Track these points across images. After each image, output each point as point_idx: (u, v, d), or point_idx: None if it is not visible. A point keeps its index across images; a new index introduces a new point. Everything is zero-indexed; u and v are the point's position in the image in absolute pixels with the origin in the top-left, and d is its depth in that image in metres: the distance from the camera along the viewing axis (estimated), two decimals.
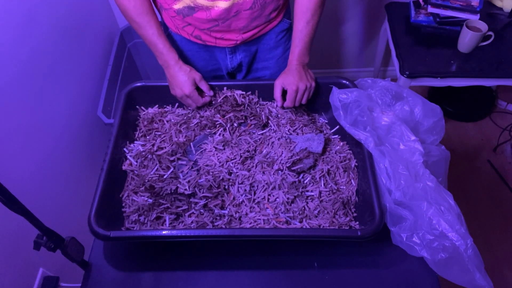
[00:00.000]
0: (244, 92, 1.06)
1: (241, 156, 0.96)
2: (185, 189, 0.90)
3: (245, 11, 1.00)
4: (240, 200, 0.90)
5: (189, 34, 1.08)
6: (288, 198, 0.89)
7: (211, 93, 1.03)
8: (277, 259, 0.88)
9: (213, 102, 1.06)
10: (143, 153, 0.96)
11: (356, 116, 0.92)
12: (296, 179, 0.92)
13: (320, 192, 0.91)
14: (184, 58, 1.15)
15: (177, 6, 0.99)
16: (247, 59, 1.16)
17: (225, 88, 1.06)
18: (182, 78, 0.98)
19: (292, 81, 0.97)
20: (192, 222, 0.88)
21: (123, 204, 0.91)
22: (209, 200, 0.89)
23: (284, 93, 0.99)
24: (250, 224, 0.87)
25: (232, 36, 1.07)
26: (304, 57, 1.02)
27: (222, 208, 0.89)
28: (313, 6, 0.98)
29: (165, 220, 0.88)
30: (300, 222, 0.87)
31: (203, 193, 0.89)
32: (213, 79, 1.07)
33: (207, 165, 0.95)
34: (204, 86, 1.02)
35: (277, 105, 1.03)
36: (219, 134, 1.01)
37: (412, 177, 0.83)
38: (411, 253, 0.82)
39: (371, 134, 0.88)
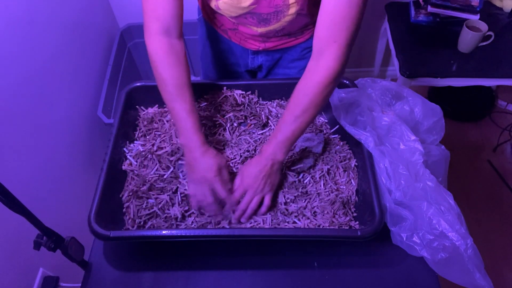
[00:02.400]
0: (244, 92, 1.06)
1: (241, 156, 0.96)
2: (185, 189, 0.90)
3: (269, 36, 1.00)
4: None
5: (217, 26, 1.06)
6: (287, 198, 0.89)
7: (229, 185, 0.88)
8: (277, 259, 0.87)
9: (213, 102, 1.06)
10: (143, 153, 0.96)
11: (356, 115, 0.92)
12: (296, 179, 0.92)
13: (319, 192, 0.91)
14: (208, 44, 1.13)
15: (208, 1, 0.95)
16: (268, 63, 1.14)
17: (224, 88, 1.06)
18: (207, 162, 0.84)
19: (251, 179, 0.85)
20: (192, 222, 0.88)
21: (123, 204, 0.91)
22: None
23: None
24: (250, 224, 0.87)
25: (254, 43, 1.06)
26: (279, 152, 0.85)
27: (222, 207, 0.89)
28: (307, 102, 0.82)
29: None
30: (299, 221, 0.87)
31: None
32: (229, 74, 1.03)
33: None
34: (225, 174, 0.87)
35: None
36: (219, 134, 1.01)
37: (412, 177, 0.83)
38: (411, 253, 0.82)
39: (371, 134, 0.88)
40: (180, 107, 0.86)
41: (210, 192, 0.85)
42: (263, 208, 0.87)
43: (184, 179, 0.92)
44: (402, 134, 0.89)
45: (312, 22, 1.02)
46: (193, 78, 1.12)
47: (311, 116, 0.84)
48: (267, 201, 0.87)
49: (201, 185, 0.85)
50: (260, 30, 0.96)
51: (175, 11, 0.85)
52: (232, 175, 0.91)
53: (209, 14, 1.06)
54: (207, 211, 0.88)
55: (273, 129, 1.02)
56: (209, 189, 0.85)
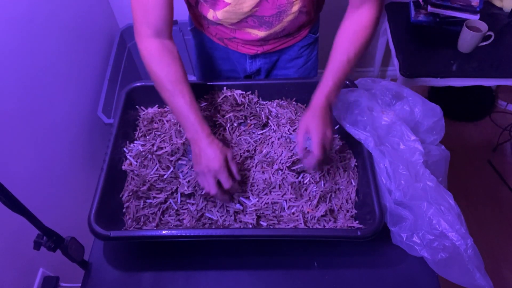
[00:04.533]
0: (244, 92, 1.06)
1: (241, 156, 0.96)
2: (185, 189, 0.90)
3: (268, 39, 1.00)
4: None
5: (212, 36, 1.07)
6: (288, 198, 0.89)
7: (238, 177, 0.86)
8: (277, 259, 0.87)
9: (213, 102, 1.06)
10: (143, 153, 0.96)
11: (356, 116, 0.92)
12: (296, 179, 0.92)
13: (319, 192, 0.91)
14: (204, 53, 1.14)
15: (204, 15, 0.97)
16: (266, 66, 1.14)
17: (224, 88, 1.06)
18: (213, 152, 0.83)
19: (319, 127, 0.83)
20: (191, 222, 0.88)
21: (123, 204, 0.91)
22: (209, 200, 0.89)
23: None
24: (251, 222, 0.87)
25: (252, 47, 1.06)
26: (333, 97, 0.87)
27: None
28: (353, 48, 0.85)
29: (168, 221, 0.88)
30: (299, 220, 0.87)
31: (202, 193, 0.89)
32: (226, 80, 1.05)
33: None
34: (233, 167, 0.85)
35: (298, 155, 0.89)
36: (219, 134, 1.01)
37: (412, 177, 0.83)
38: (411, 253, 0.82)
39: (371, 134, 0.88)
40: (180, 103, 0.87)
41: (215, 183, 0.83)
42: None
43: (185, 179, 0.92)
44: (402, 134, 0.89)
45: (310, 20, 1.02)
46: (192, 78, 1.12)
47: (357, 60, 0.87)
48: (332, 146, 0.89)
49: (207, 176, 0.84)
50: (261, 33, 0.96)
51: (166, 16, 0.86)
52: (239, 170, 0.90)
53: (202, 25, 1.06)
54: (215, 199, 0.88)
55: (273, 128, 1.02)
56: (215, 179, 0.84)
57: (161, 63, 0.88)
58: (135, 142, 1.01)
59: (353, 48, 0.86)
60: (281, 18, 0.92)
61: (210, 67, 1.19)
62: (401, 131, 0.89)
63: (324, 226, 0.86)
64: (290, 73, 1.16)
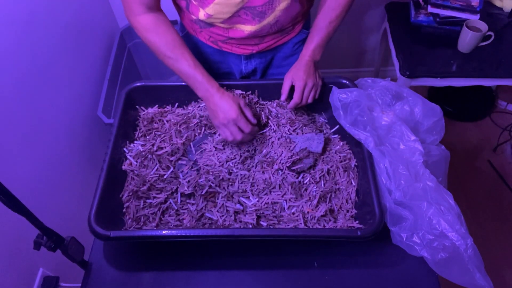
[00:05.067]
0: (244, 92, 1.06)
1: (241, 156, 0.96)
2: (185, 189, 0.90)
3: (261, 35, 1.01)
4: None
5: (206, 39, 1.08)
6: (288, 198, 0.89)
7: (254, 121, 0.94)
8: (277, 259, 0.88)
9: None
10: (143, 153, 0.96)
11: (356, 116, 0.92)
12: (296, 179, 0.92)
13: (319, 192, 0.91)
14: (198, 58, 1.15)
15: (195, 17, 0.99)
16: (262, 65, 1.15)
17: (225, 88, 1.06)
18: (226, 103, 0.90)
19: (301, 76, 0.95)
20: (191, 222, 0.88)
21: (123, 204, 0.91)
22: (209, 200, 0.89)
23: (291, 90, 0.98)
24: (251, 222, 0.87)
25: (247, 47, 1.07)
26: (317, 54, 1.00)
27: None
28: (339, 8, 0.97)
29: (168, 221, 0.88)
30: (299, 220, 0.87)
31: (202, 193, 0.89)
32: (226, 80, 1.06)
33: (207, 165, 0.95)
34: (248, 112, 0.93)
35: (282, 100, 0.99)
36: (219, 134, 1.01)
37: (412, 177, 0.83)
38: (411, 252, 0.82)
39: (371, 134, 0.88)
40: (184, 66, 0.92)
41: (237, 130, 0.91)
42: (311, 99, 0.98)
43: (184, 179, 0.92)
44: (402, 134, 0.89)
45: (303, 12, 1.03)
46: None
47: (341, 20, 0.99)
48: (318, 93, 1.00)
49: (228, 126, 0.91)
50: (255, 27, 0.97)
51: None
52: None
53: (195, 29, 1.07)
54: (242, 143, 0.97)
55: (273, 128, 1.02)
56: (236, 127, 0.91)
57: (157, 33, 0.93)
58: (135, 142, 1.01)
59: (334, 13, 0.97)
60: (274, 6, 0.93)
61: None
62: (401, 131, 0.89)
63: (324, 226, 0.86)
64: (286, 71, 1.17)
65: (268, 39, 1.05)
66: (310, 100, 0.98)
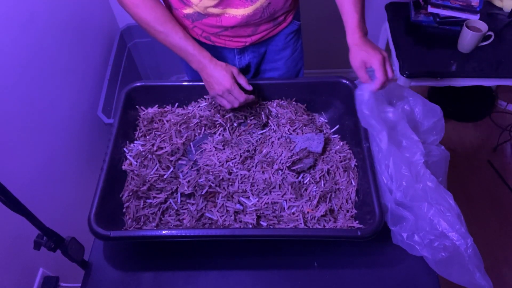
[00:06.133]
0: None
1: (241, 156, 0.96)
2: (185, 189, 0.90)
3: (255, 20, 1.00)
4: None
5: (198, 35, 1.08)
6: (288, 198, 0.89)
7: (250, 87, 0.96)
8: (277, 259, 0.87)
9: (213, 102, 1.06)
10: (143, 153, 0.96)
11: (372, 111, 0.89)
12: (296, 179, 0.92)
13: (319, 192, 0.91)
14: None
15: (186, 11, 0.99)
16: (255, 60, 1.15)
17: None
18: (220, 73, 0.92)
19: (372, 53, 0.87)
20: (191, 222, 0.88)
21: (123, 204, 0.91)
22: (209, 200, 0.89)
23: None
24: (251, 223, 0.87)
25: (240, 39, 1.06)
26: (363, 26, 0.94)
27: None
28: None
29: (168, 221, 0.88)
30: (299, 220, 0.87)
31: (202, 193, 0.89)
32: None
33: (207, 165, 0.95)
34: (242, 80, 0.95)
35: (374, 88, 0.88)
36: (219, 134, 1.01)
37: (413, 177, 0.83)
38: (412, 252, 0.82)
39: (386, 129, 0.86)
40: (176, 39, 0.94)
41: (234, 98, 0.93)
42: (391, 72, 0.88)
43: (184, 179, 0.92)
44: (405, 133, 0.89)
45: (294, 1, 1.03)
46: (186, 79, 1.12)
47: None
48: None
49: (224, 95, 0.93)
50: (248, 10, 0.96)
51: None
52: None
53: (187, 25, 1.06)
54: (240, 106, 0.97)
55: (273, 128, 1.02)
56: (232, 96, 0.93)
57: (146, 8, 0.93)
58: (135, 142, 1.01)
59: None
60: None
61: None
62: (405, 130, 0.89)
63: (324, 226, 0.86)
64: (279, 66, 1.18)
65: (260, 29, 1.05)
66: (391, 74, 0.88)
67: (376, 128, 0.87)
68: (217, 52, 1.13)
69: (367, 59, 0.87)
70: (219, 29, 1.02)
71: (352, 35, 0.92)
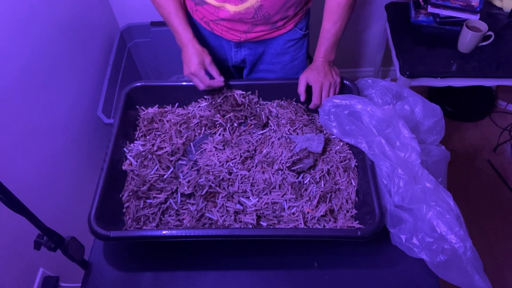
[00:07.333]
0: (244, 92, 1.06)
1: (241, 156, 0.96)
2: (185, 189, 0.90)
3: (248, 19, 1.01)
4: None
5: (199, 19, 1.09)
6: (288, 199, 0.89)
7: (222, 78, 1.00)
8: (277, 259, 0.88)
9: (213, 102, 1.06)
10: (143, 153, 0.96)
11: (346, 125, 0.94)
12: (296, 179, 0.92)
13: (319, 192, 0.91)
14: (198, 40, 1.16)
15: None
16: (251, 58, 1.16)
17: (225, 88, 1.06)
18: (192, 57, 0.97)
19: (316, 77, 0.98)
20: (191, 222, 0.88)
21: (123, 204, 0.91)
22: (209, 200, 0.89)
23: (308, 90, 1.00)
24: (251, 222, 0.87)
25: (236, 33, 1.07)
26: (330, 54, 1.03)
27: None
28: (340, 9, 0.99)
29: (168, 221, 0.88)
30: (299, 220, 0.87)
31: (202, 193, 0.89)
32: (227, 79, 1.06)
33: (207, 165, 0.95)
34: (213, 70, 0.99)
35: (302, 100, 1.02)
36: (219, 134, 1.01)
37: (410, 179, 0.82)
38: (410, 254, 0.82)
39: (365, 141, 0.89)
40: (165, 12, 0.99)
41: (198, 80, 0.99)
42: (332, 93, 1.01)
43: (184, 179, 0.92)
44: (399, 130, 0.89)
45: (294, 6, 1.03)
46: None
47: (347, 20, 1.01)
48: (337, 90, 1.03)
49: (191, 77, 1.00)
50: (238, 8, 0.98)
51: None
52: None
53: (191, 7, 1.08)
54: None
55: (273, 128, 1.02)
56: (197, 80, 0.99)
57: None
58: (135, 142, 1.01)
59: (335, 15, 0.99)
60: None
61: None
62: (398, 127, 0.89)
63: (324, 226, 0.86)
64: (276, 69, 1.18)
65: (257, 29, 1.05)
66: (322, 100, 1.00)
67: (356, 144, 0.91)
68: (218, 41, 1.14)
69: (312, 80, 0.99)
70: (216, 17, 1.03)
71: (317, 56, 1.03)
